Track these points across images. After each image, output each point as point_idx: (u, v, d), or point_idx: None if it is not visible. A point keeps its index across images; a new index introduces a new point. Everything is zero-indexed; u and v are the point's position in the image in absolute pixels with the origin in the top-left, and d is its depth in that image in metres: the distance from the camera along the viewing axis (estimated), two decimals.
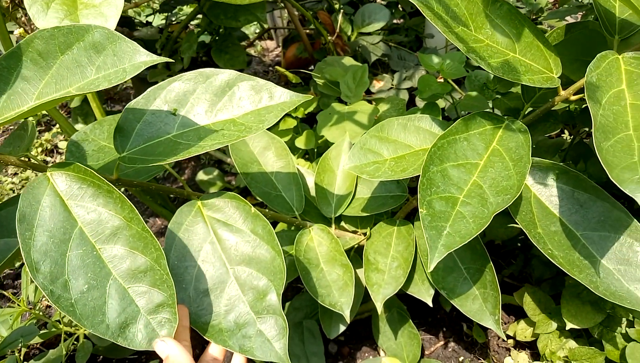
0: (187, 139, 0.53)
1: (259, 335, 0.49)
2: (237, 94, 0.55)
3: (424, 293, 0.73)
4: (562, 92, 0.60)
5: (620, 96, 0.51)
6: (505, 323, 0.93)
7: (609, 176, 0.44)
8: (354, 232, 0.86)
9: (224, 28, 1.42)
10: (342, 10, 1.31)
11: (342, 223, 0.88)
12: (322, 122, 0.96)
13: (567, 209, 0.60)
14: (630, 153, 0.46)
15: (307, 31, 1.63)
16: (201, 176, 1.26)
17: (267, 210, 0.75)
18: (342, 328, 0.81)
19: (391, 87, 1.43)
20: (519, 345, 0.88)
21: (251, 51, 2.17)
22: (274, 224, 1.27)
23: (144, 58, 0.46)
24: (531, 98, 0.68)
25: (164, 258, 0.43)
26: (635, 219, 0.57)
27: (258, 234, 0.53)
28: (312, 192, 0.85)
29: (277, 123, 1.08)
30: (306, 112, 1.04)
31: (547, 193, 0.62)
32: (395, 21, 1.78)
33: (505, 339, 0.90)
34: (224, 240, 0.53)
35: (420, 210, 0.52)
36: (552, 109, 0.79)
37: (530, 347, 0.88)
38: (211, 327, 0.49)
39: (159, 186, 0.63)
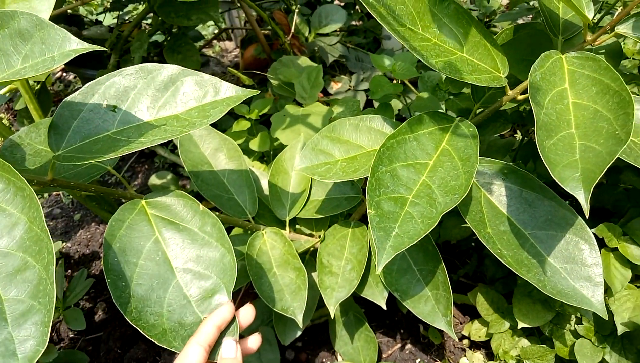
0: (128, 136, 0.51)
1: None
2: (180, 89, 0.53)
3: (378, 296, 0.73)
4: (510, 92, 0.60)
5: (563, 95, 0.51)
6: (461, 323, 0.93)
7: (551, 174, 0.44)
8: (310, 235, 0.85)
9: (177, 27, 1.38)
10: (297, 10, 1.29)
11: (298, 226, 0.86)
12: (276, 125, 0.94)
13: (516, 209, 0.60)
14: (572, 150, 0.47)
15: (265, 32, 1.61)
16: (154, 180, 1.22)
17: (217, 214, 0.73)
18: (297, 334, 0.80)
19: (349, 89, 1.43)
20: (474, 345, 0.89)
21: (209, 51, 2.13)
22: (229, 229, 1.24)
23: (75, 46, 0.43)
24: (480, 98, 0.68)
25: (53, 264, 0.38)
26: (579, 218, 0.58)
27: (206, 232, 0.52)
28: (269, 197, 0.83)
29: (231, 125, 1.06)
30: (261, 113, 1.02)
31: (496, 193, 0.62)
32: (354, 23, 1.79)
33: (458, 340, 0.90)
34: (169, 238, 0.51)
35: (368, 211, 0.51)
36: (502, 109, 0.80)
37: (485, 346, 0.88)
38: (153, 327, 0.47)
39: (99, 188, 0.60)
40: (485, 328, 0.81)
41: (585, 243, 0.57)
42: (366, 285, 0.75)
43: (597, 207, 0.76)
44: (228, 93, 0.54)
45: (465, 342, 0.89)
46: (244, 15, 1.96)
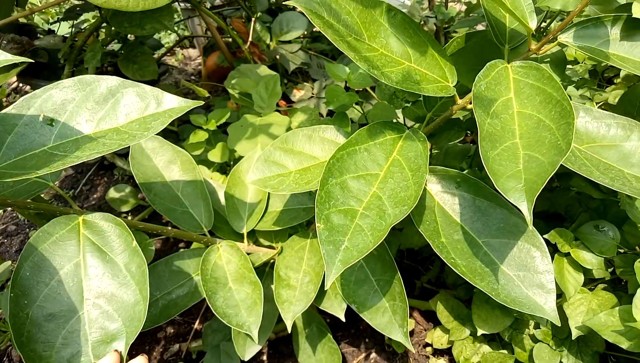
0: (64, 150, 0.49)
1: None
2: (121, 101, 0.52)
3: (337, 308, 0.72)
4: (459, 101, 0.60)
5: (508, 105, 0.51)
6: (425, 330, 0.93)
7: (495, 186, 0.44)
8: (270, 247, 0.83)
9: (134, 37, 1.35)
10: (254, 18, 1.28)
11: (258, 238, 0.85)
12: (233, 135, 0.92)
13: (469, 217, 0.60)
14: (516, 161, 0.46)
15: (227, 40, 1.59)
16: (112, 193, 1.18)
17: (170, 228, 0.71)
18: (257, 349, 0.78)
19: (312, 96, 1.42)
20: (438, 352, 0.89)
21: (171, 60, 2.10)
22: (189, 243, 1.21)
23: None
24: (432, 107, 0.68)
25: None
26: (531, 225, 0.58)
27: (130, 271, 0.49)
28: (226, 209, 0.82)
29: (188, 136, 1.04)
30: (219, 123, 1.00)
31: (450, 202, 0.62)
32: (317, 30, 1.78)
33: (422, 348, 0.90)
34: (92, 266, 0.48)
35: (317, 225, 0.50)
36: (457, 117, 0.80)
37: (449, 353, 0.88)
38: (39, 359, 0.43)
39: (39, 205, 0.57)
40: (447, 335, 0.81)
41: (537, 250, 0.58)
42: (325, 297, 0.74)
43: (551, 212, 0.76)
44: (171, 104, 0.52)
45: (429, 349, 0.89)
46: (205, 24, 1.94)
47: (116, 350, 0.45)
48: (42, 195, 1.09)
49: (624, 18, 0.52)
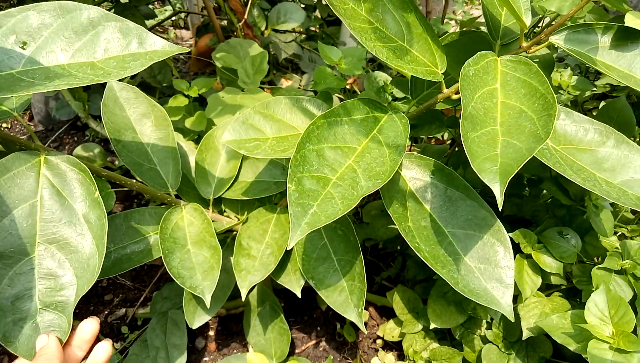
0: (33, 77, 0.46)
1: (33, 330, 0.43)
2: (101, 35, 0.49)
3: (294, 284, 0.70)
4: (445, 90, 0.60)
5: (493, 94, 0.52)
6: (377, 325, 0.93)
7: (471, 165, 0.44)
8: (235, 219, 0.81)
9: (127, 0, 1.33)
10: (251, 1, 1.27)
11: (224, 209, 0.83)
12: (212, 106, 0.90)
13: (439, 206, 0.61)
14: (494, 145, 0.47)
15: (222, 23, 1.58)
16: (79, 151, 1.15)
17: (134, 181, 0.68)
18: (206, 318, 0.76)
19: (299, 88, 1.42)
20: (388, 346, 0.88)
21: (163, 37, 2.06)
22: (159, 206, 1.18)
23: None
24: (418, 95, 0.69)
25: None
26: (498, 220, 0.59)
27: (89, 222, 0.47)
28: (194, 172, 0.80)
29: (167, 99, 1.02)
30: (201, 92, 0.98)
31: (422, 188, 0.62)
32: (313, 29, 1.79)
33: (372, 341, 0.89)
34: (49, 210, 0.46)
35: (288, 185, 0.49)
36: (439, 110, 0.81)
37: (398, 348, 0.88)
38: None
39: None
40: (399, 328, 0.81)
41: (501, 245, 0.58)
42: (284, 272, 0.73)
43: (518, 217, 0.77)
44: (154, 46, 0.50)
45: (379, 342, 0.89)
46: (202, 3, 1.92)
47: (57, 337, 0.43)
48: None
49: (615, 28, 0.53)
